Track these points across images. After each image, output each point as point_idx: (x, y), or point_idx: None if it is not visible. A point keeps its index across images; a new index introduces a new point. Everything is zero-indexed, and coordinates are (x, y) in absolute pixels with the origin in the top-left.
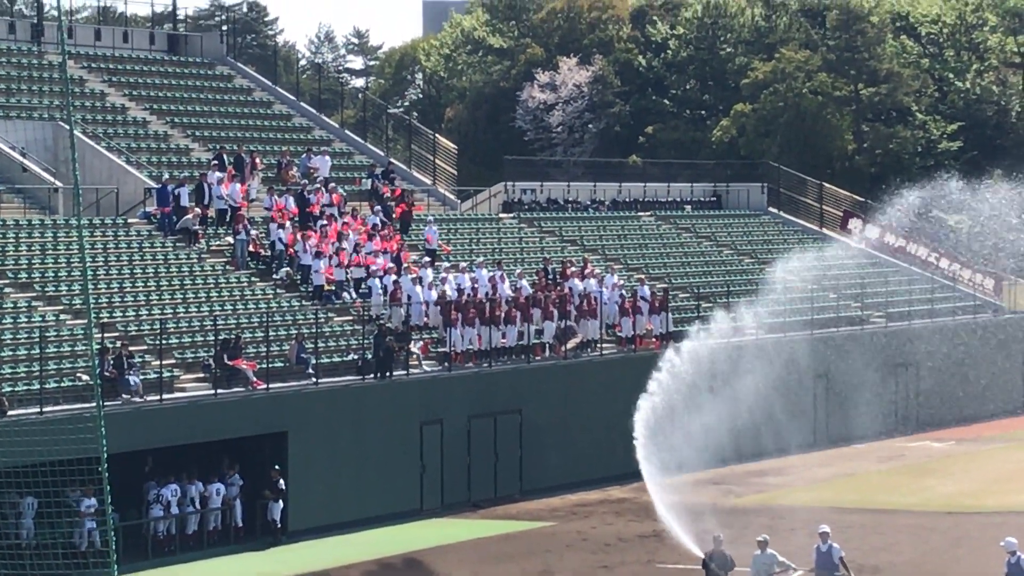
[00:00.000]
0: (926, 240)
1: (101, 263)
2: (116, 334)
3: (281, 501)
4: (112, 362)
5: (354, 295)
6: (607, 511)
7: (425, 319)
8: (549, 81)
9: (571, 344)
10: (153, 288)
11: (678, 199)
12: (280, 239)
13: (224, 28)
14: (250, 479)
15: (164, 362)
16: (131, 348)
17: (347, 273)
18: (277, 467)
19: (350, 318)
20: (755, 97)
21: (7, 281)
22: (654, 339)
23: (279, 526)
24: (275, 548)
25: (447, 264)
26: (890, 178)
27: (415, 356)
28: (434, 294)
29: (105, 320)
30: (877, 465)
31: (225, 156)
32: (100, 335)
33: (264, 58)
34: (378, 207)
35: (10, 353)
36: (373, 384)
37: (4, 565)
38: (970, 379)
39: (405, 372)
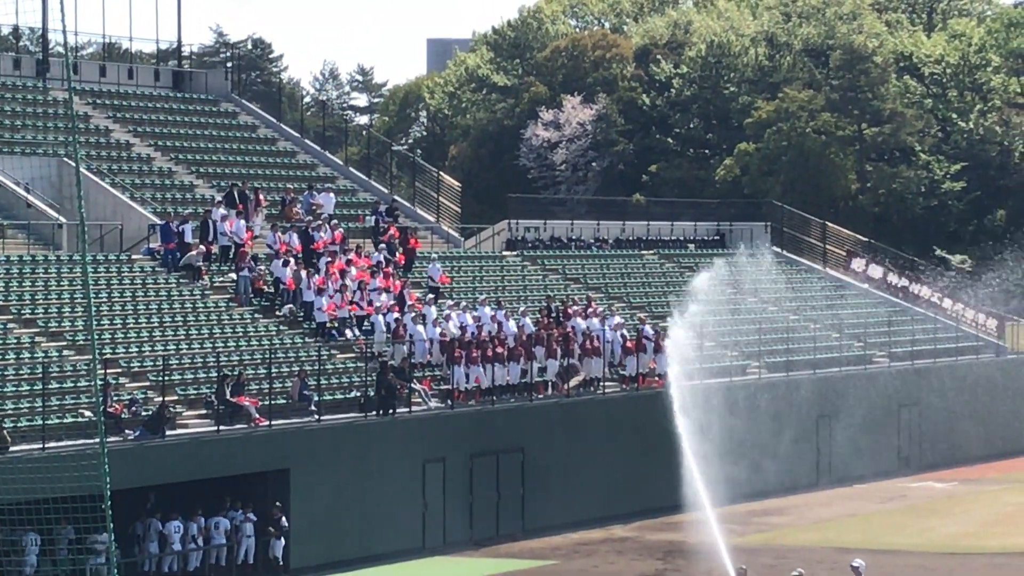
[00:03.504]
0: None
1: (104, 299)
2: (149, 383)
3: (283, 538)
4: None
5: (357, 332)
6: (609, 550)
7: (428, 357)
8: (553, 119)
9: (574, 382)
10: (156, 324)
11: (681, 238)
12: (283, 276)
13: (229, 65)
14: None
15: (167, 398)
16: (134, 384)
17: (350, 310)
18: (279, 504)
19: (353, 355)
20: (759, 136)
21: (10, 317)
22: (657, 378)
23: (281, 563)
24: None
25: (451, 302)
26: (893, 218)
27: (418, 393)
28: (438, 332)
29: (108, 356)
30: (880, 505)
31: (234, 193)
32: (103, 371)
33: (269, 95)
34: (381, 244)
35: (13, 389)
36: (376, 422)
37: None
38: (973, 420)
39: (408, 410)
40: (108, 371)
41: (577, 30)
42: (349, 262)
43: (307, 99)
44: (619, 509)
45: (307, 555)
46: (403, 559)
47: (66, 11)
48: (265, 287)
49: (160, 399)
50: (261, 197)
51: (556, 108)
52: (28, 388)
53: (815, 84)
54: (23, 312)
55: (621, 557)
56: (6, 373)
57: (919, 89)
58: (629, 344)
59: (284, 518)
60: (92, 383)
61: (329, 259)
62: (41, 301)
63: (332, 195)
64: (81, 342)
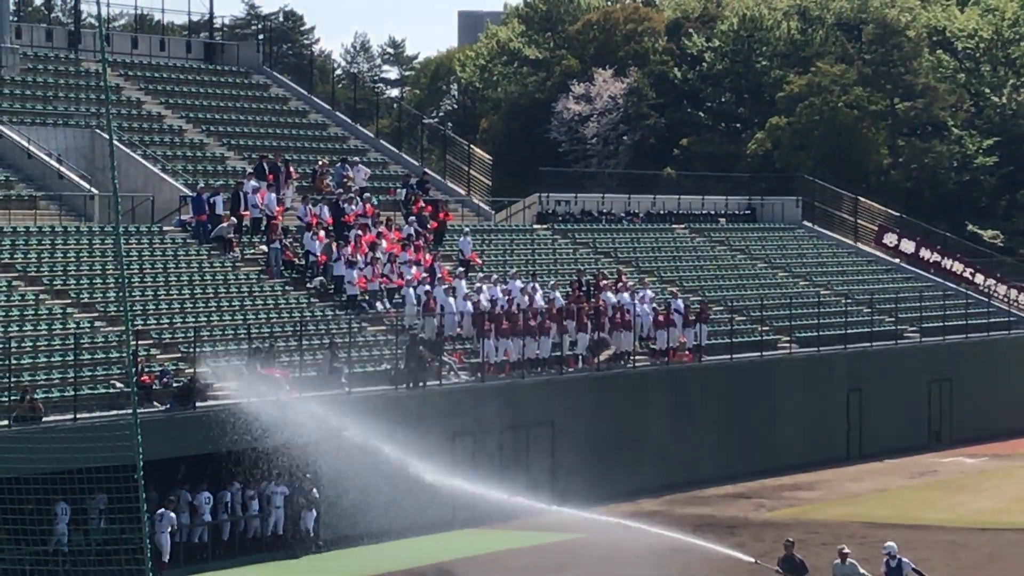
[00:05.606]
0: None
1: (136, 270)
2: (180, 354)
3: (315, 510)
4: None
5: (388, 305)
6: (641, 523)
7: (458, 330)
8: (584, 93)
9: (604, 356)
10: (187, 296)
11: (712, 212)
12: (314, 249)
13: (260, 37)
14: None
15: (197, 369)
16: (165, 356)
17: (380, 283)
18: (310, 476)
19: (383, 328)
20: (790, 110)
21: (43, 287)
22: (687, 352)
23: (312, 535)
24: (307, 557)
25: (481, 275)
26: (925, 193)
27: (448, 366)
28: (468, 305)
29: (139, 327)
30: (910, 480)
31: (264, 165)
32: (135, 342)
33: (300, 67)
34: (412, 217)
35: (45, 359)
36: (406, 394)
37: (38, 572)
38: (1004, 395)
39: (438, 383)
40: (139, 342)
41: (609, 3)
42: (380, 235)
43: (338, 72)
44: (648, 483)
45: (337, 527)
46: (433, 532)
47: None
48: (296, 259)
49: (191, 370)
50: (292, 169)
51: (587, 81)
52: (60, 359)
53: (847, 58)
54: (55, 283)
55: (652, 530)
56: (38, 344)
57: (952, 63)
58: (660, 317)
59: (315, 490)
60: (124, 354)
61: (360, 232)
62: (73, 272)
63: (364, 168)
64: (113, 313)
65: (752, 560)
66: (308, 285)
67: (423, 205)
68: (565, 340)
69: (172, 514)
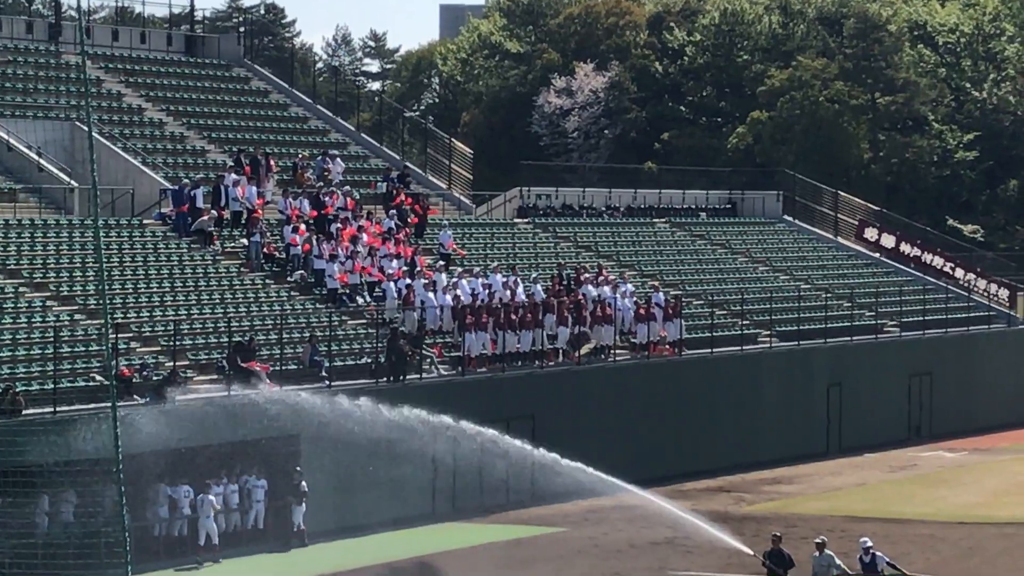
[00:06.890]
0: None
1: (116, 263)
2: (159, 348)
3: (304, 504)
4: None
5: (368, 298)
6: (619, 517)
7: (439, 323)
8: (565, 86)
9: (585, 350)
10: (167, 289)
11: (693, 206)
12: (294, 242)
13: (241, 30)
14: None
15: (177, 363)
16: (145, 349)
17: (361, 276)
18: (299, 469)
19: (364, 321)
20: (771, 105)
21: (22, 280)
22: (668, 346)
23: (300, 529)
24: (293, 550)
25: (461, 269)
26: (905, 187)
27: (429, 360)
28: (448, 298)
29: (119, 320)
30: (889, 475)
31: (242, 158)
32: (114, 335)
33: (281, 60)
34: (393, 211)
35: (25, 352)
36: (386, 388)
37: (19, 564)
38: (984, 389)
39: (418, 376)
40: (119, 336)
41: None
42: (361, 228)
43: (319, 65)
44: (628, 477)
45: (317, 521)
46: (413, 525)
47: None
48: (276, 253)
49: (171, 364)
50: (272, 163)
51: (569, 75)
52: (40, 352)
53: (828, 53)
54: (35, 276)
55: (631, 525)
56: (18, 337)
57: (933, 58)
58: (641, 311)
59: (303, 483)
60: (103, 347)
61: (341, 225)
62: (53, 265)
63: (339, 160)
64: (92, 306)
65: (751, 553)
66: (288, 279)
67: (404, 199)
68: (545, 334)
69: (212, 498)
